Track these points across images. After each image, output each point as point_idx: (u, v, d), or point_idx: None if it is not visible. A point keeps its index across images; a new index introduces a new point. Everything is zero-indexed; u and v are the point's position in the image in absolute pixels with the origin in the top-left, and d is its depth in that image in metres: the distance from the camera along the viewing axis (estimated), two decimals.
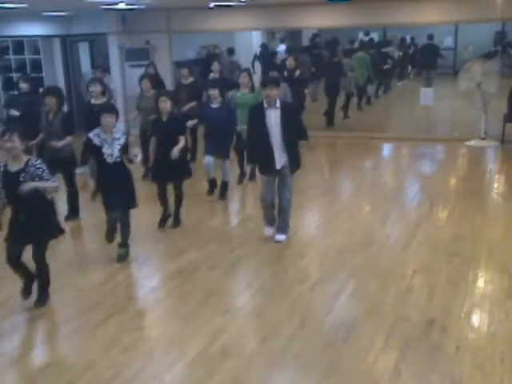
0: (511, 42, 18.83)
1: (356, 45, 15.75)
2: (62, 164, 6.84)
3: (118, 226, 5.99)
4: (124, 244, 6.01)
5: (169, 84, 11.13)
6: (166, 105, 6.52)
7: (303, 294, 5.19)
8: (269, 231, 6.40)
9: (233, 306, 5.11)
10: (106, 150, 5.67)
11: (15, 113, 8.21)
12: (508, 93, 10.54)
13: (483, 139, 10.62)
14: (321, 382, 3.94)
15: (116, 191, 5.78)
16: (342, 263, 5.80)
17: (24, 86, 8.36)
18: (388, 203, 7.60)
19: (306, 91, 12.41)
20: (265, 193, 6.23)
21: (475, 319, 4.75)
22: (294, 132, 6.01)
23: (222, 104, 7.61)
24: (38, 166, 4.69)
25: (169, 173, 6.60)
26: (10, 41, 12.70)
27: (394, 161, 10.84)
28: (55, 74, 12.91)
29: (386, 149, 11.34)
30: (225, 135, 7.61)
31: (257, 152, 6.16)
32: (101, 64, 12.28)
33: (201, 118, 8.09)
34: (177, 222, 6.89)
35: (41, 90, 8.54)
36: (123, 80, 12.28)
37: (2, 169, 4.71)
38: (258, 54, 15.20)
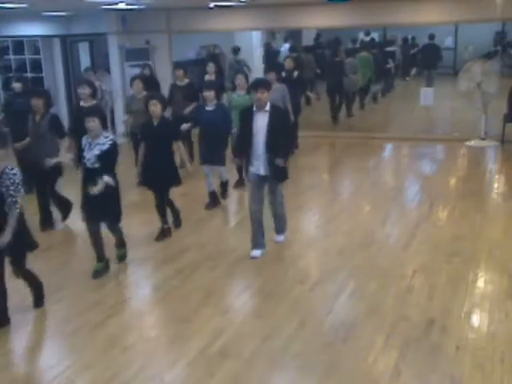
0: (511, 42, 18.83)
1: (357, 45, 15.72)
2: (47, 173, 6.56)
3: (101, 238, 5.66)
4: (120, 245, 5.95)
5: (168, 85, 11.09)
6: (156, 108, 6.24)
7: (303, 294, 5.19)
8: (256, 253, 5.97)
9: (233, 306, 5.10)
10: (85, 153, 5.46)
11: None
12: (508, 93, 10.54)
13: (483, 139, 10.61)
14: (321, 382, 3.94)
15: (95, 200, 5.35)
16: (341, 263, 5.80)
17: (17, 85, 8.01)
18: (388, 203, 7.59)
19: (308, 92, 12.42)
20: (252, 205, 5.90)
21: (475, 319, 4.74)
22: (282, 138, 5.69)
23: (218, 106, 7.36)
24: (11, 176, 4.49)
25: (157, 180, 6.37)
26: (10, 41, 12.69)
27: (394, 161, 10.83)
28: (55, 74, 12.92)
29: (386, 149, 11.33)
30: (220, 139, 7.34)
31: (242, 152, 6.00)
32: (101, 64, 12.31)
33: (196, 120, 7.82)
34: (177, 222, 6.87)
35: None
36: (123, 80, 12.25)
37: None
38: (263, 53, 15.11)
